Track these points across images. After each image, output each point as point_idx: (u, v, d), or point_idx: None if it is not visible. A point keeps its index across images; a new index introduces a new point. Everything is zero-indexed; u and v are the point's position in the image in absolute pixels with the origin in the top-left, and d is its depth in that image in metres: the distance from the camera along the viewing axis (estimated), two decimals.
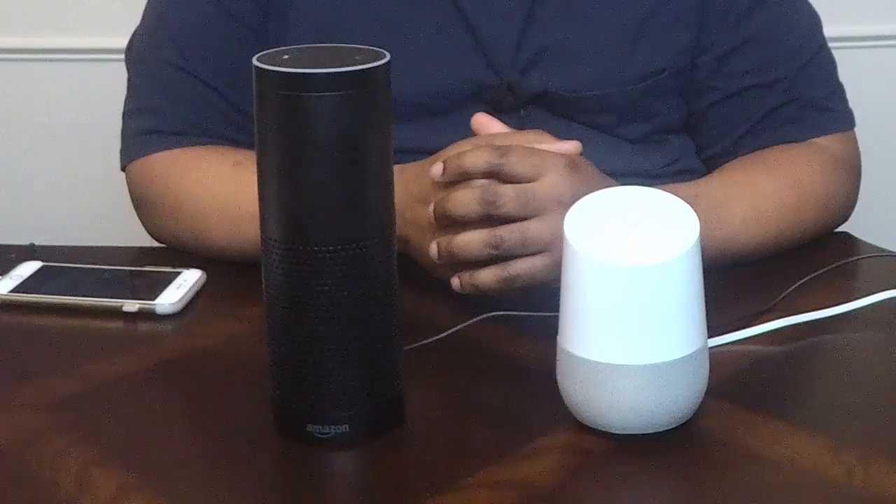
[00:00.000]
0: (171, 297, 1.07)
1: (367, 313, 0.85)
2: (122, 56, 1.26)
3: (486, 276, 1.00)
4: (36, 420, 0.91)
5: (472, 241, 0.99)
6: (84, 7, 1.79)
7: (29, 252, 1.18)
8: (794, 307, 1.03)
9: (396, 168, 0.87)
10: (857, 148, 1.26)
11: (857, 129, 1.26)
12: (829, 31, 1.27)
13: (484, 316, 1.01)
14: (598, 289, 0.85)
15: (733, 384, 0.94)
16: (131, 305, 1.07)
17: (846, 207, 1.23)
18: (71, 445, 0.88)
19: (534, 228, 0.99)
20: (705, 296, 0.87)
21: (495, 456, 0.85)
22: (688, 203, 0.88)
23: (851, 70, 1.30)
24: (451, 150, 1.03)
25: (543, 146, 1.03)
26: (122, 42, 1.26)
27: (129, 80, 1.25)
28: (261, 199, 0.85)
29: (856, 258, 1.15)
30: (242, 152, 1.17)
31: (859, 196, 1.25)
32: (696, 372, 0.87)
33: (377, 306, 0.85)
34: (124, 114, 1.25)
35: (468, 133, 1.07)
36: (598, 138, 1.20)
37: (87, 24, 1.79)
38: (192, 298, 1.09)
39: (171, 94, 1.21)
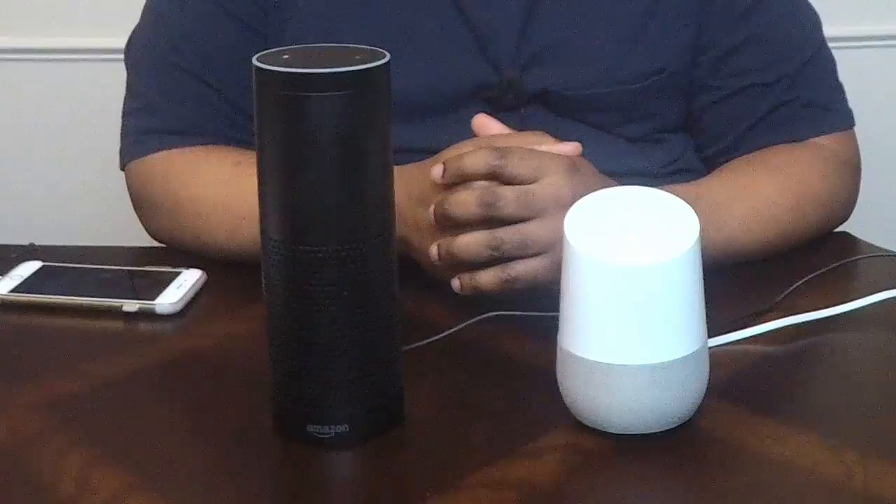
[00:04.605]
0: (171, 297, 1.07)
1: (367, 313, 0.85)
2: (122, 56, 1.26)
3: (487, 278, 1.00)
4: (36, 420, 0.91)
5: (472, 242, 0.99)
6: (84, 7, 1.79)
7: (29, 252, 1.18)
8: (794, 307, 1.03)
9: (396, 169, 0.87)
10: (857, 147, 1.26)
11: (857, 129, 1.26)
12: (829, 31, 1.27)
13: (484, 316, 1.01)
14: (598, 289, 0.85)
15: (733, 384, 0.94)
16: (131, 305, 1.07)
17: (846, 207, 1.23)
18: (71, 445, 0.88)
19: (534, 230, 0.99)
20: (705, 296, 0.87)
21: (495, 456, 0.85)
22: (688, 203, 0.88)
23: (851, 70, 1.30)
24: (452, 152, 1.03)
25: (544, 148, 1.03)
26: (122, 42, 1.26)
27: (128, 79, 1.25)
28: (261, 199, 0.85)
29: (856, 258, 1.15)
30: (242, 152, 1.17)
31: (859, 196, 1.25)
32: (696, 372, 0.87)
33: (377, 306, 0.85)
34: (124, 114, 1.25)
35: (468, 132, 1.07)
36: (597, 137, 1.20)
37: (87, 24, 1.79)
38: (192, 298, 1.09)
39: (170, 93, 1.21)
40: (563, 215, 0.88)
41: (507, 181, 1.00)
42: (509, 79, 1.20)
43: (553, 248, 0.98)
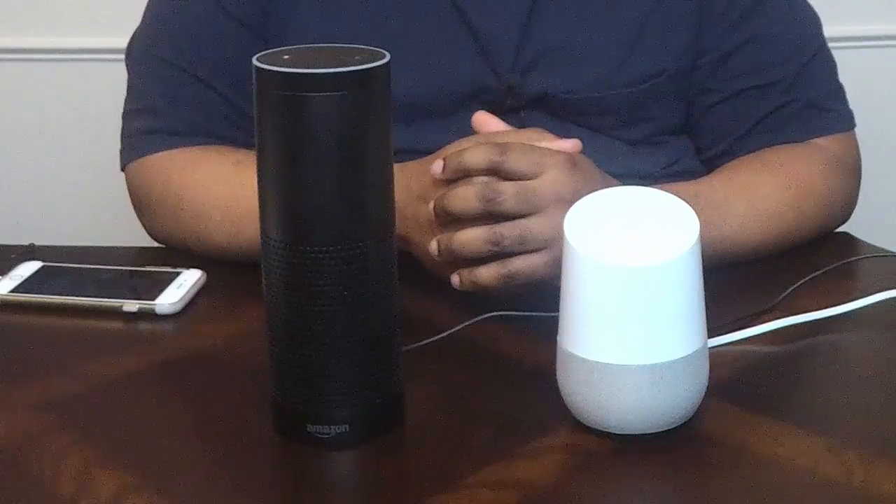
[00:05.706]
0: (171, 297, 1.07)
1: (367, 313, 0.85)
2: (122, 56, 1.26)
3: (486, 273, 1.00)
4: (36, 420, 0.91)
5: (472, 238, 0.99)
6: (84, 7, 1.79)
7: (29, 252, 1.18)
8: (794, 307, 1.03)
9: (396, 166, 0.87)
10: (857, 148, 1.26)
11: (857, 129, 1.26)
12: (829, 31, 1.27)
13: (484, 316, 1.01)
14: (598, 289, 0.85)
15: (733, 384, 0.94)
16: (131, 305, 1.07)
17: (846, 207, 1.23)
18: (71, 445, 0.88)
19: (534, 225, 0.99)
20: (705, 296, 0.87)
21: (495, 456, 0.85)
22: (688, 202, 0.88)
23: (851, 70, 1.30)
24: (452, 148, 1.04)
25: (544, 144, 1.03)
26: (122, 42, 1.26)
27: (128, 80, 1.25)
28: (261, 198, 0.85)
29: (856, 258, 1.15)
30: (242, 152, 1.17)
31: (859, 196, 1.25)
32: (696, 372, 0.87)
33: (377, 306, 0.85)
34: (124, 114, 1.25)
35: (468, 134, 1.07)
36: (597, 140, 1.20)
37: (87, 24, 1.79)
38: (192, 298, 1.09)
39: (170, 94, 1.21)
40: (563, 211, 0.88)
41: (508, 177, 1.00)
42: (509, 82, 1.20)
43: (553, 244, 0.98)
